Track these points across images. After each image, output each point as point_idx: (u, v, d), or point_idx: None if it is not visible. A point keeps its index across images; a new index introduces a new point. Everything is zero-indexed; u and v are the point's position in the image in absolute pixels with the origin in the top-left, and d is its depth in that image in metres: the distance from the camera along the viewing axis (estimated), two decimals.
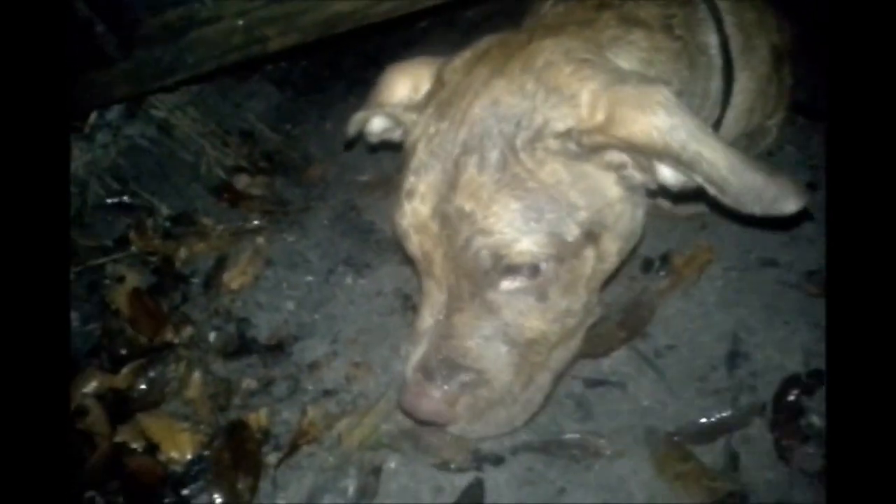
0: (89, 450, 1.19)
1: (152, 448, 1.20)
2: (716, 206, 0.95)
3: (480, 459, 1.17)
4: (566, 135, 0.91)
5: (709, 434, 1.18)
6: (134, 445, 1.21)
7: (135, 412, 1.24)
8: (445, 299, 1.00)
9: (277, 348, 1.34)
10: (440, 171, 0.96)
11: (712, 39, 1.20)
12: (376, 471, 1.15)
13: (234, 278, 1.46)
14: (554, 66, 0.95)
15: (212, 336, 1.37)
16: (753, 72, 1.32)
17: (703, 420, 1.19)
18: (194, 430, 1.22)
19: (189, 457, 1.19)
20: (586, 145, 0.91)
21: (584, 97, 0.93)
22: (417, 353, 1.03)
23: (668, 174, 0.93)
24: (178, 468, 1.19)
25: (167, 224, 1.60)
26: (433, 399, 1.02)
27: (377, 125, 1.19)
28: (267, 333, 1.38)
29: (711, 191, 0.88)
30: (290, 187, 1.73)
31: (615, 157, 0.93)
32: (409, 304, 1.40)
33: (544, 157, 0.92)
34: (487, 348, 1.00)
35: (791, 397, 1.19)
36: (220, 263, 1.50)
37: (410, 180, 0.99)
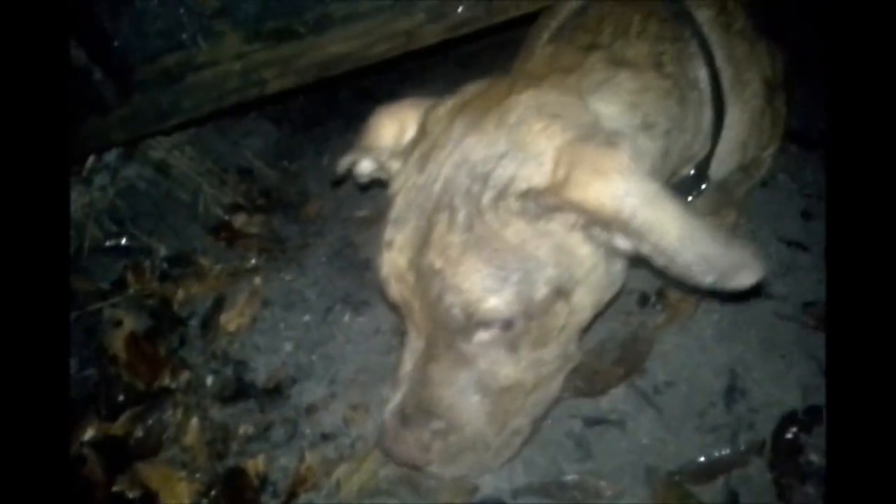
0: (86, 499, 1.18)
1: (150, 497, 1.20)
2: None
3: (480, 503, 1.16)
4: (525, 194, 0.92)
5: (708, 473, 1.17)
6: (131, 495, 1.20)
7: (132, 460, 1.24)
8: (423, 347, 1.02)
9: (275, 391, 1.34)
10: (414, 227, 0.97)
11: (702, 74, 1.21)
12: None
13: (231, 320, 1.46)
14: (525, 124, 0.95)
15: (209, 380, 1.36)
16: (745, 105, 1.32)
17: (703, 459, 1.19)
18: (192, 479, 1.21)
19: None
20: (543, 206, 0.91)
21: (549, 156, 0.93)
22: (395, 399, 1.05)
23: (619, 240, 0.91)
24: None
25: (165, 265, 1.61)
26: (407, 444, 1.04)
27: (365, 167, 1.19)
28: (264, 376, 1.37)
29: (659, 262, 0.87)
30: (287, 224, 1.74)
31: (575, 217, 0.92)
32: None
33: (508, 217, 0.92)
34: (460, 398, 1.02)
35: (789, 435, 1.19)
36: (218, 305, 1.50)
37: (390, 231, 1.00)
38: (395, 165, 1.08)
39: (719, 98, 1.24)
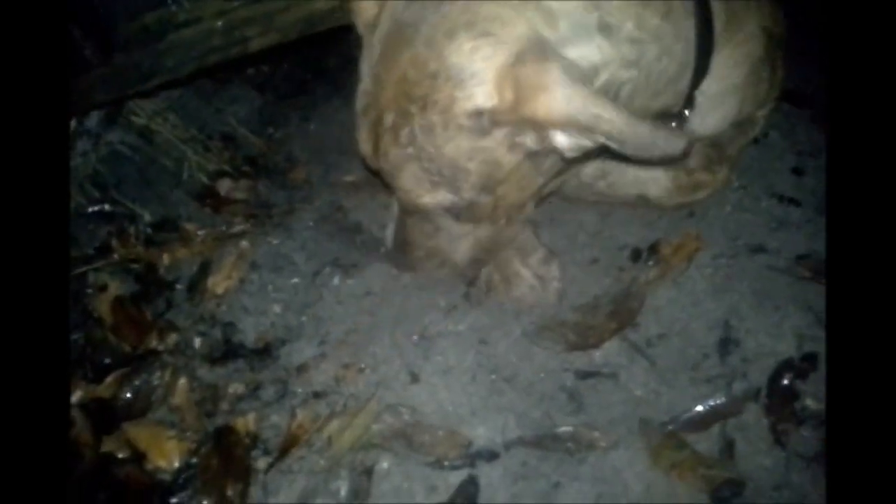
0: (75, 461, 1.16)
1: (139, 457, 1.17)
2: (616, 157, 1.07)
3: (474, 456, 1.15)
4: (479, 114, 1.01)
5: (703, 422, 1.17)
6: (120, 455, 1.18)
7: (120, 421, 1.22)
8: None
9: (264, 352, 1.32)
10: (369, 128, 1.11)
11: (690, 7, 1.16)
12: (368, 472, 1.14)
13: (218, 283, 1.44)
14: (453, 42, 1.00)
15: (197, 342, 1.34)
16: (739, 47, 1.29)
17: (697, 408, 1.19)
18: (181, 438, 1.19)
19: (177, 465, 1.17)
20: (494, 122, 1.01)
21: (488, 76, 0.99)
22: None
23: (561, 140, 1.01)
24: (165, 477, 1.16)
25: (149, 231, 1.57)
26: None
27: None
28: (253, 337, 1.35)
29: (613, 146, 0.97)
30: (274, 190, 1.71)
31: (511, 130, 1.03)
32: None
33: (453, 134, 1.02)
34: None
35: (785, 381, 1.19)
36: (205, 269, 1.47)
37: (358, 119, 1.13)
38: (364, 38, 1.16)
39: (709, 32, 1.20)
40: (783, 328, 1.27)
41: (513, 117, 0.99)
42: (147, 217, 1.61)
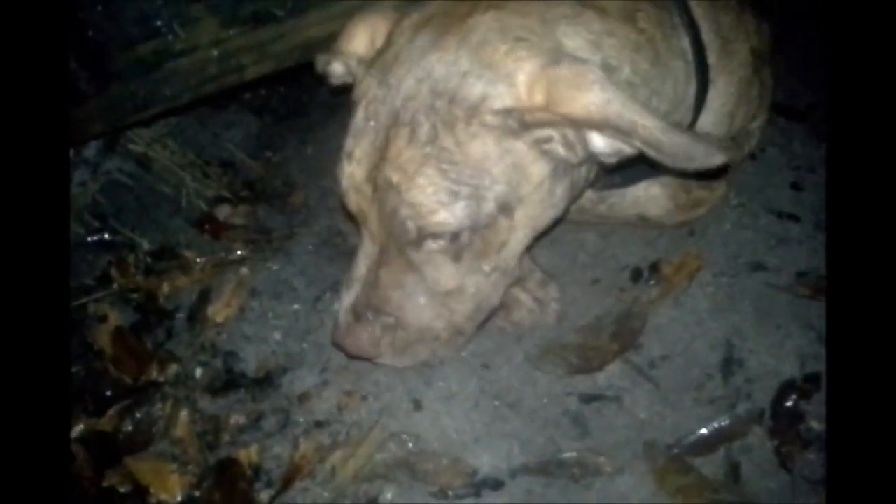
0: (76, 496, 1.16)
1: (141, 492, 1.17)
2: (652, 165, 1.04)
3: (479, 485, 1.15)
4: (506, 112, 0.98)
5: (708, 445, 1.16)
6: (122, 490, 1.17)
7: (122, 455, 1.21)
8: (377, 252, 1.12)
9: (266, 381, 1.32)
10: (373, 140, 1.03)
11: (686, 44, 1.20)
12: (372, 503, 1.13)
13: (218, 311, 1.44)
14: (489, 45, 1.00)
15: (198, 372, 1.34)
16: (732, 75, 1.32)
17: (702, 431, 1.18)
18: (183, 471, 1.19)
19: (179, 499, 1.16)
20: (528, 122, 0.98)
21: (521, 78, 0.99)
22: (349, 298, 1.16)
23: (600, 143, 1.00)
24: None
25: (149, 259, 1.57)
26: (359, 337, 1.16)
27: (336, 69, 1.24)
28: (255, 366, 1.35)
29: (651, 153, 0.96)
30: (273, 215, 1.71)
31: (544, 132, 1.00)
32: None
33: (478, 131, 0.99)
34: (408, 299, 1.13)
35: (789, 403, 1.18)
36: (204, 297, 1.47)
37: (349, 142, 1.08)
38: (360, 72, 1.13)
39: (703, 69, 1.23)
40: (785, 348, 1.27)
41: (544, 117, 0.97)
42: (146, 245, 1.61)
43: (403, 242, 1.06)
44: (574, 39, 1.05)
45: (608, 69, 1.05)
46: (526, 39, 1.00)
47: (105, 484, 1.18)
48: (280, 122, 2.00)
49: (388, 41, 1.10)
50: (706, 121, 1.30)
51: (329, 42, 1.45)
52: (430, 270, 1.10)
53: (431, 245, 1.07)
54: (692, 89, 1.23)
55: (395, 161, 1.00)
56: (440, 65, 1.00)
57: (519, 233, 1.10)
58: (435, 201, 1.00)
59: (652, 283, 1.38)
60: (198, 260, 1.57)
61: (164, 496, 1.16)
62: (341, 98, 1.98)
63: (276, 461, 1.20)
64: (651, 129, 0.93)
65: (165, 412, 1.26)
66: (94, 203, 1.68)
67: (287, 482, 1.16)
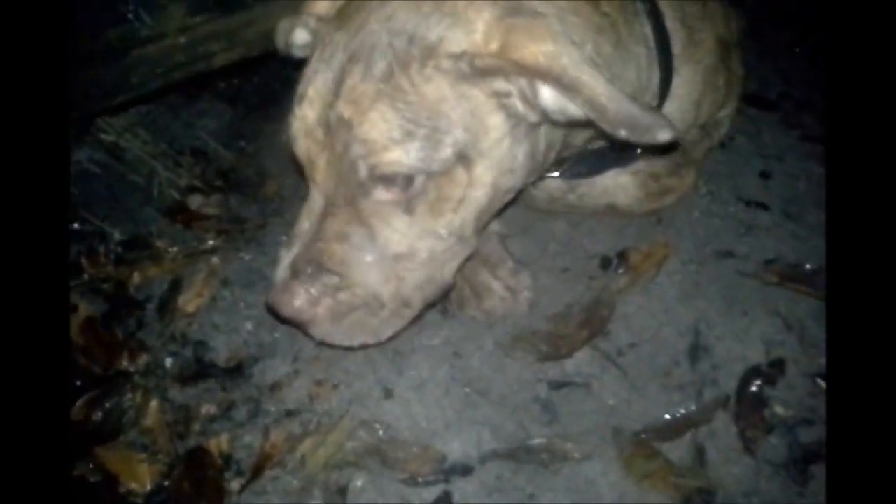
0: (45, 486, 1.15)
1: (111, 481, 1.16)
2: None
3: (448, 471, 1.15)
4: (460, 56, 0.96)
5: (674, 430, 1.18)
6: (92, 479, 1.16)
7: (91, 445, 1.20)
8: (323, 203, 1.04)
9: (237, 371, 1.31)
10: (328, 79, 0.99)
11: (649, 31, 1.21)
12: (342, 490, 1.13)
13: (189, 301, 1.43)
14: None
15: (168, 362, 1.33)
16: (698, 64, 1.33)
17: (669, 416, 1.20)
18: (153, 460, 1.18)
19: (149, 488, 1.16)
20: (479, 68, 0.96)
21: (479, 25, 0.98)
22: (290, 254, 1.07)
23: (549, 98, 0.97)
24: (138, 500, 1.15)
25: (120, 249, 1.56)
26: (297, 297, 1.05)
27: (300, 37, 1.20)
28: (225, 356, 1.34)
29: (592, 115, 0.93)
30: (245, 205, 1.70)
31: (501, 85, 0.98)
32: None
33: (433, 74, 0.97)
34: (354, 254, 1.04)
35: (753, 388, 1.20)
36: (175, 286, 1.46)
37: (302, 85, 1.03)
38: (320, 27, 1.10)
39: (668, 58, 1.24)
40: (751, 334, 1.29)
41: (493, 63, 0.95)
42: (117, 235, 1.59)
43: (353, 187, 1.01)
44: (543, 8, 1.04)
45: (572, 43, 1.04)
46: None
47: (75, 473, 1.17)
48: (253, 112, 1.98)
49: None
50: (671, 108, 1.31)
51: None
52: (381, 225, 1.04)
53: (383, 193, 1.01)
54: (656, 77, 1.23)
55: (349, 96, 0.97)
56: (401, 8, 0.99)
57: (478, 191, 1.05)
58: (388, 138, 0.96)
59: (620, 271, 1.40)
60: (169, 250, 1.56)
61: (133, 485, 1.16)
62: None
63: (246, 450, 1.20)
64: (596, 91, 0.91)
65: (135, 402, 1.26)
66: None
67: (257, 471, 1.16)
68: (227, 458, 1.19)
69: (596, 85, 0.92)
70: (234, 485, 1.15)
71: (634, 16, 1.19)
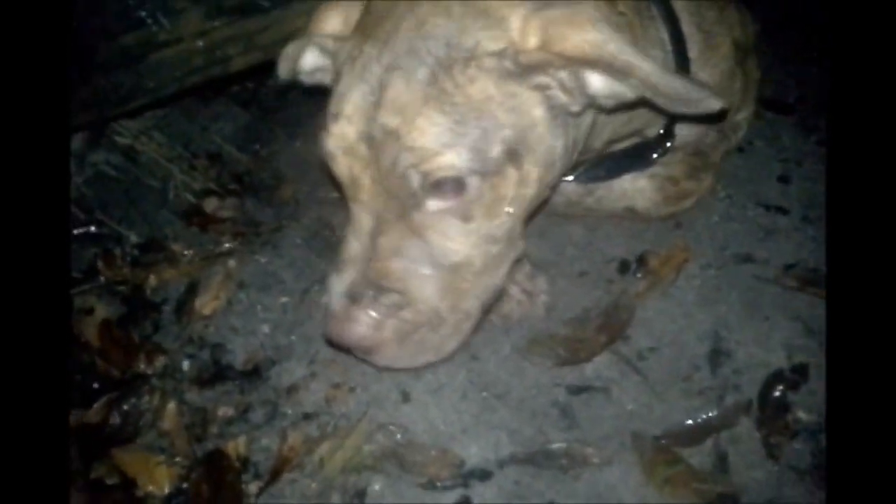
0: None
1: (128, 484, 1.16)
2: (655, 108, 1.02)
3: (467, 476, 1.15)
4: (501, 54, 0.95)
5: (696, 436, 1.17)
6: (109, 482, 1.16)
7: (109, 447, 1.20)
8: (372, 224, 1.01)
9: (254, 373, 1.31)
10: (366, 91, 0.97)
11: (665, 36, 1.20)
12: (360, 494, 1.13)
13: (206, 304, 1.43)
14: None
15: (185, 364, 1.33)
16: (714, 69, 1.32)
17: (690, 422, 1.19)
18: (171, 463, 1.18)
19: (167, 491, 1.15)
20: (523, 64, 0.95)
21: (515, 22, 0.96)
22: (344, 280, 1.03)
23: (598, 84, 0.97)
24: (156, 503, 1.15)
25: (136, 252, 1.56)
26: (360, 323, 1.02)
27: (309, 61, 1.18)
28: (242, 358, 1.34)
29: (647, 94, 0.94)
30: (261, 208, 1.70)
31: (542, 78, 0.97)
32: None
33: (476, 74, 0.95)
34: (412, 269, 1.02)
35: (776, 393, 1.19)
36: (192, 289, 1.46)
37: (336, 103, 1.00)
38: (338, 48, 1.07)
39: (685, 63, 1.23)
40: (773, 339, 1.28)
41: (539, 57, 0.94)
42: (133, 238, 1.60)
43: (406, 199, 0.98)
44: None
45: None
46: None
47: (92, 476, 1.17)
48: (268, 115, 1.98)
49: (367, 10, 1.07)
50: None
51: None
52: (437, 236, 1.01)
53: (436, 203, 0.99)
54: None
55: (393, 105, 0.94)
56: (432, 13, 0.97)
57: (528, 188, 1.03)
58: (439, 143, 0.93)
59: (639, 275, 1.39)
60: (185, 252, 1.56)
61: (151, 488, 1.15)
62: (329, 90, 1.99)
63: (264, 453, 1.20)
64: (648, 71, 0.92)
65: (153, 404, 1.26)
66: (81, 195, 1.66)
67: (275, 474, 1.16)
68: (245, 461, 1.18)
69: (646, 66, 0.92)
70: (252, 488, 1.15)
71: (651, 20, 1.19)
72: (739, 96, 1.43)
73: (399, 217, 1.00)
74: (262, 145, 1.89)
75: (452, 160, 0.94)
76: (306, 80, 1.20)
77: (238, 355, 1.35)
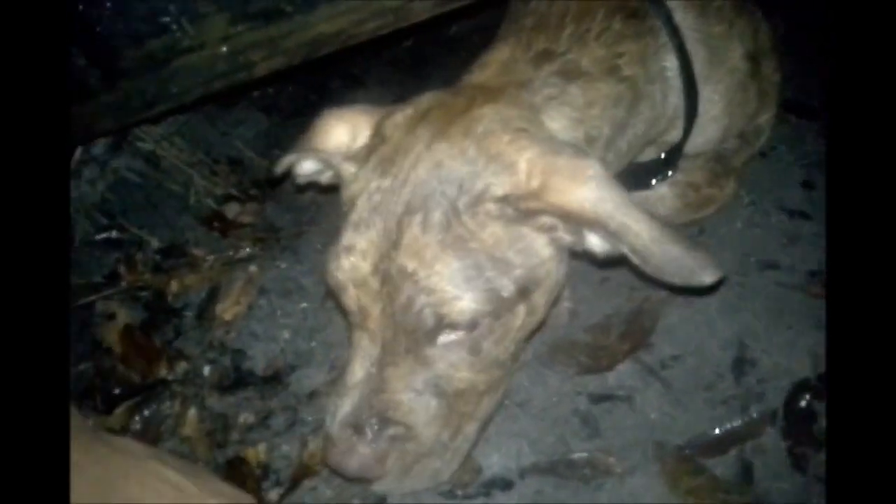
0: None
1: None
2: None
3: (488, 485, 1.14)
4: (504, 200, 0.96)
5: (720, 446, 1.15)
6: None
7: None
8: (378, 353, 1.00)
9: (274, 379, 1.32)
10: (382, 230, 0.97)
11: (671, 62, 1.20)
12: (380, 502, 1.12)
13: (227, 309, 1.43)
14: (493, 135, 0.98)
15: (206, 370, 1.34)
16: (718, 84, 1.31)
17: (714, 431, 1.17)
18: None
19: None
20: (522, 210, 0.96)
21: (522, 166, 0.96)
22: (346, 407, 1.01)
23: (594, 241, 0.98)
24: None
25: (157, 257, 1.57)
26: (363, 456, 1.00)
27: (307, 168, 1.18)
28: (263, 364, 1.35)
29: (635, 260, 0.93)
30: (281, 213, 1.71)
31: (547, 220, 0.97)
32: None
33: (485, 219, 0.96)
34: (418, 401, 1.01)
35: (802, 403, 1.17)
36: (213, 295, 1.47)
37: (349, 236, 0.99)
38: (349, 168, 1.07)
39: (691, 83, 1.22)
40: (798, 347, 1.26)
41: (536, 205, 0.95)
42: (155, 243, 1.61)
43: (419, 335, 0.98)
44: (558, 121, 1.06)
45: (590, 141, 1.07)
46: (525, 130, 1.00)
47: None
48: (288, 120, 1.99)
49: (380, 136, 1.05)
50: (697, 127, 1.29)
51: (338, 38, 1.45)
52: (444, 366, 1.00)
53: (448, 337, 0.98)
54: (673, 103, 1.23)
55: (411, 248, 0.95)
56: (448, 155, 0.97)
57: (535, 316, 1.04)
58: (456, 287, 0.94)
59: None
60: (206, 258, 1.57)
61: None
62: (349, 95, 2.00)
63: (284, 460, 1.20)
64: (642, 237, 0.91)
65: (174, 410, 1.26)
66: (103, 201, 1.68)
67: (295, 481, 1.16)
68: (266, 468, 1.19)
69: (641, 230, 0.91)
70: (273, 495, 1.15)
71: (655, 54, 1.18)
72: (755, 103, 1.41)
73: (408, 350, 0.99)
74: (282, 150, 1.88)
75: (469, 304, 0.95)
76: (302, 181, 1.21)
77: (258, 361, 1.35)
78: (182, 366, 1.35)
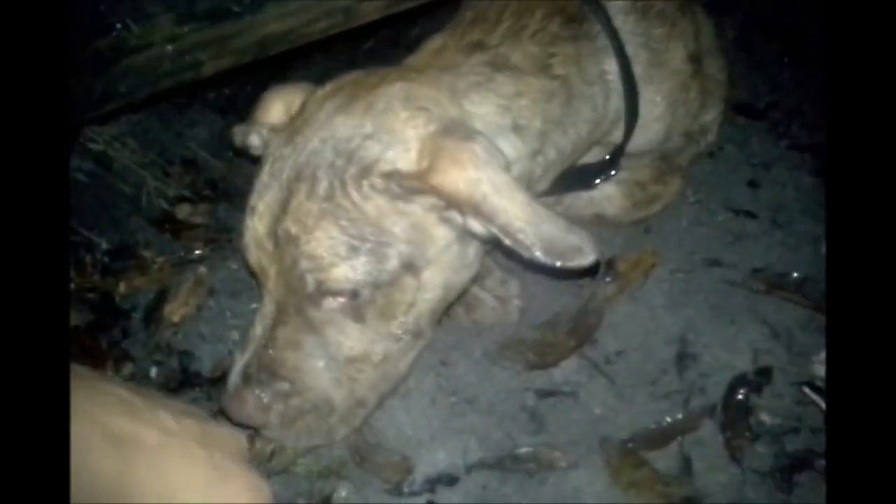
0: None
1: None
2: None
3: (434, 481, 1.15)
4: (390, 176, 0.98)
5: (661, 439, 1.17)
6: None
7: None
8: (274, 311, 1.06)
9: (222, 380, 1.29)
10: (276, 193, 1.02)
11: (611, 66, 1.22)
12: (326, 500, 1.12)
13: (175, 310, 1.42)
14: (391, 112, 1.02)
15: (153, 372, 1.32)
16: (660, 85, 1.34)
17: (655, 425, 1.19)
18: None
19: None
20: (406, 188, 0.98)
21: (414, 144, 1.00)
22: (241, 360, 1.09)
23: (474, 224, 0.99)
24: None
25: (106, 259, 1.55)
26: (246, 403, 1.07)
27: (254, 140, 1.23)
28: (210, 366, 1.34)
29: (507, 242, 0.95)
30: (234, 214, 1.69)
31: (433, 200, 1.00)
32: None
33: (369, 192, 0.99)
34: (305, 362, 1.06)
35: (739, 396, 1.19)
36: (161, 296, 1.45)
37: (254, 198, 1.06)
38: (272, 140, 1.13)
39: (632, 86, 1.25)
40: (739, 342, 1.29)
41: (418, 185, 0.97)
42: (104, 245, 1.59)
43: (302, 298, 1.03)
44: (482, 106, 1.08)
45: (518, 129, 1.09)
46: (426, 109, 1.02)
47: None
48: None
49: (301, 109, 1.12)
50: (638, 127, 1.32)
51: (287, 38, 1.46)
52: (333, 332, 1.05)
53: (331, 303, 1.03)
54: (615, 105, 1.26)
55: (296, 213, 0.99)
56: (344, 127, 1.02)
57: (428, 294, 1.06)
58: (334, 255, 0.98)
59: (608, 279, 1.39)
60: (156, 259, 1.55)
61: None
62: None
63: None
64: (518, 219, 0.93)
65: None
66: None
67: None
68: None
69: (516, 212, 0.93)
70: None
71: (592, 56, 1.21)
72: (699, 102, 1.44)
73: (298, 310, 1.04)
74: (237, 151, 1.89)
75: (346, 272, 0.99)
76: (255, 153, 1.24)
77: (206, 362, 1.34)
78: (128, 367, 1.33)
